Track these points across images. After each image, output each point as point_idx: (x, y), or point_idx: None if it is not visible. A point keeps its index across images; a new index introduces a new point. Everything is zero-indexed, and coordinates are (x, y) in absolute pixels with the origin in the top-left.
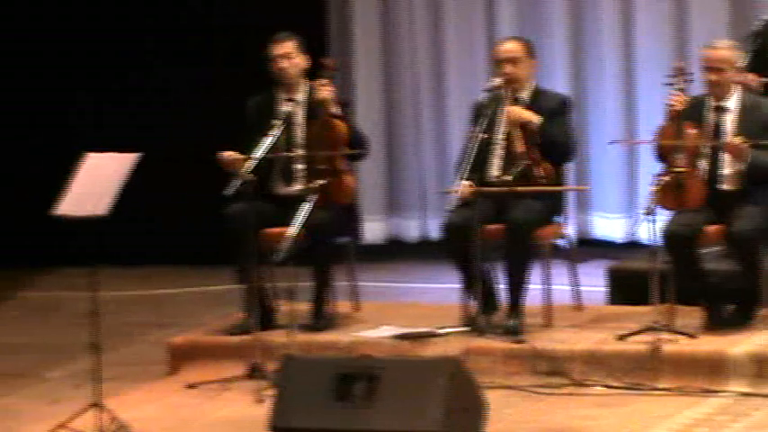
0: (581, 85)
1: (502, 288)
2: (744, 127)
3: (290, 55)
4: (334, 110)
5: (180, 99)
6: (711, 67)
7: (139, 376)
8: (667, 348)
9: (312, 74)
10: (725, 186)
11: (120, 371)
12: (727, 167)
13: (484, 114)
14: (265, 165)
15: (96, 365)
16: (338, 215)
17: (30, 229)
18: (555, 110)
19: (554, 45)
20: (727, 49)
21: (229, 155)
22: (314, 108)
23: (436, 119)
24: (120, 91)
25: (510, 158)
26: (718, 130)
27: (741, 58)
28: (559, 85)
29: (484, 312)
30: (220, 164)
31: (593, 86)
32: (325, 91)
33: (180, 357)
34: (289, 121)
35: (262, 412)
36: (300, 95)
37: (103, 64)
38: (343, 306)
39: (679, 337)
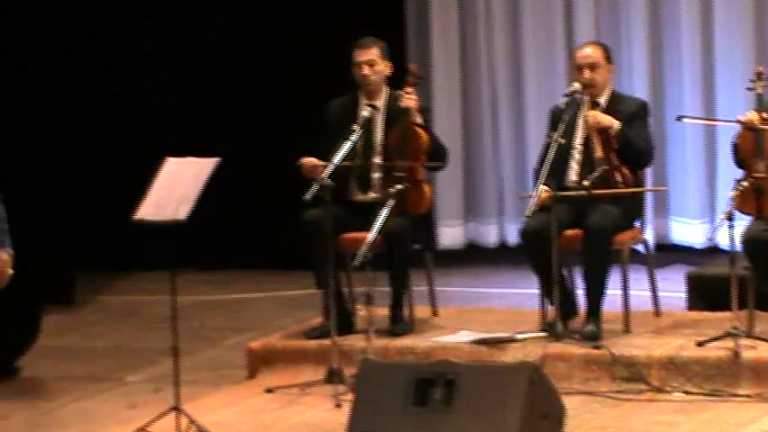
0: (659, 88)
1: (580, 293)
2: None
3: (373, 62)
4: (418, 118)
5: (261, 103)
6: None
7: (218, 380)
8: (747, 355)
9: (393, 80)
10: None
11: (199, 375)
12: None
13: (562, 119)
14: (343, 170)
15: (175, 369)
16: (414, 221)
17: (109, 233)
18: (633, 114)
19: (632, 49)
20: None
21: (309, 161)
22: (394, 115)
23: (514, 124)
24: (202, 95)
25: (588, 163)
26: None
27: None
28: (637, 88)
29: (562, 318)
30: (300, 170)
31: (672, 90)
32: (410, 99)
33: (258, 362)
34: (367, 126)
35: (340, 417)
36: (381, 102)
37: (186, 69)
38: (421, 311)
39: (759, 343)
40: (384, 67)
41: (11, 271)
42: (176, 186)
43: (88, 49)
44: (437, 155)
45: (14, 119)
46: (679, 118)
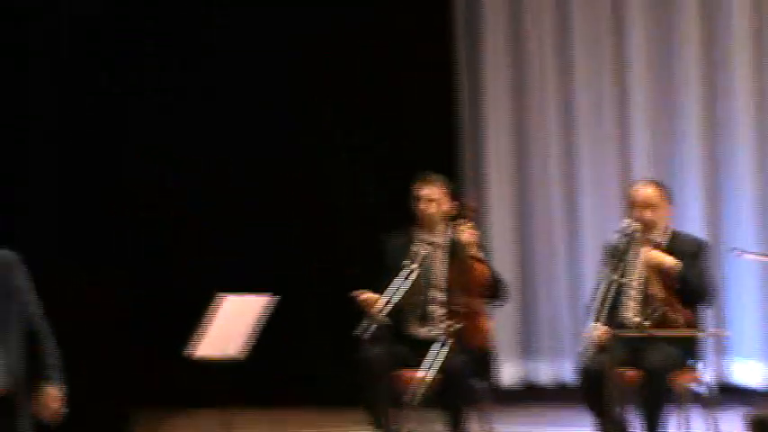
0: (717, 227)
1: None
2: None
3: (436, 199)
4: (477, 253)
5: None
6: None
7: None
8: None
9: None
10: None
11: None
12: None
13: (617, 257)
14: (401, 306)
15: None
16: (474, 358)
17: (164, 371)
18: (692, 253)
19: (688, 188)
20: None
21: (366, 295)
22: (454, 250)
23: (569, 258)
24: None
25: (646, 302)
26: None
27: None
28: (696, 227)
29: None
30: (357, 303)
31: (730, 229)
32: (469, 234)
33: None
34: (425, 263)
35: None
36: (440, 237)
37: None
38: None
39: None
40: (446, 205)
41: (63, 409)
42: (233, 323)
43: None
44: (497, 289)
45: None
46: (734, 250)
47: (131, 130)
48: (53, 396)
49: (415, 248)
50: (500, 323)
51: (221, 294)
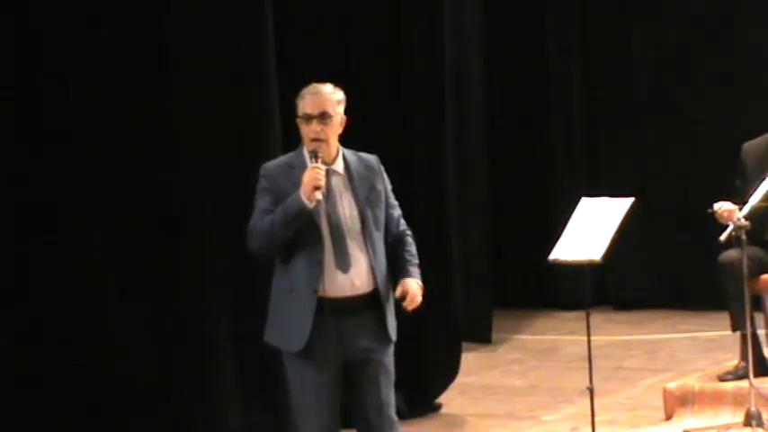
0: None
1: None
2: None
3: None
4: None
5: (676, 144)
6: None
7: (635, 421)
8: None
9: None
10: None
11: (615, 415)
12: None
13: None
14: (761, 211)
15: (592, 409)
16: None
17: (527, 273)
18: None
19: None
20: None
21: (723, 208)
22: None
23: None
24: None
25: None
26: None
27: None
28: None
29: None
30: (714, 217)
31: None
32: None
33: (675, 403)
34: None
35: None
36: None
37: None
38: None
39: None
40: None
41: (419, 299)
42: (592, 226)
43: None
44: None
45: None
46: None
47: None
48: (414, 290)
49: None
50: None
51: (584, 198)
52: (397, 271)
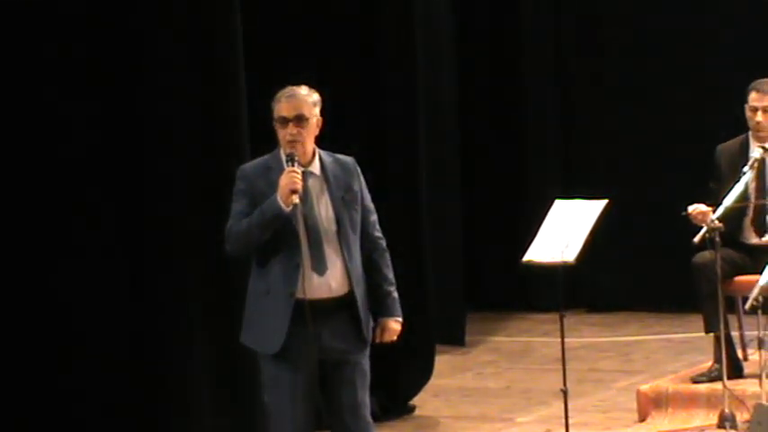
0: None
1: None
2: None
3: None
4: None
5: (650, 146)
6: None
7: (608, 423)
8: None
9: None
10: None
11: (588, 417)
12: None
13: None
14: (735, 213)
15: (566, 411)
16: None
17: (500, 275)
18: None
19: None
20: None
21: (697, 210)
22: None
23: None
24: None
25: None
26: None
27: None
28: None
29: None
30: (690, 219)
31: None
32: None
33: (649, 405)
34: (760, 167)
35: None
36: None
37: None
38: None
39: None
40: None
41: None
42: (565, 228)
43: None
44: None
45: None
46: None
47: None
48: (393, 333)
49: (748, 153)
50: None
51: (557, 200)
52: (375, 302)
